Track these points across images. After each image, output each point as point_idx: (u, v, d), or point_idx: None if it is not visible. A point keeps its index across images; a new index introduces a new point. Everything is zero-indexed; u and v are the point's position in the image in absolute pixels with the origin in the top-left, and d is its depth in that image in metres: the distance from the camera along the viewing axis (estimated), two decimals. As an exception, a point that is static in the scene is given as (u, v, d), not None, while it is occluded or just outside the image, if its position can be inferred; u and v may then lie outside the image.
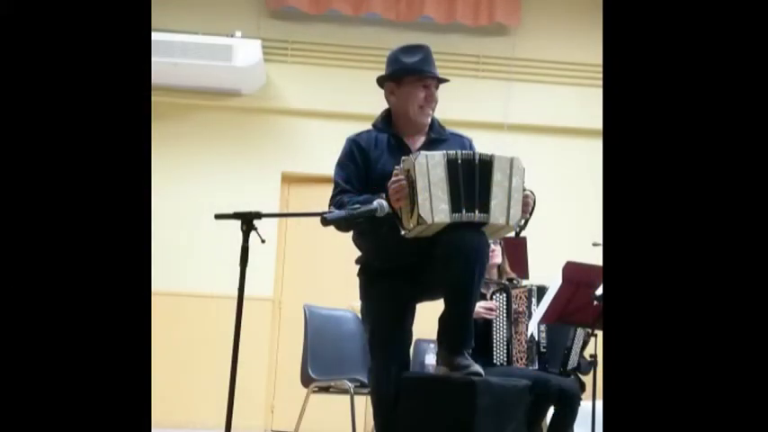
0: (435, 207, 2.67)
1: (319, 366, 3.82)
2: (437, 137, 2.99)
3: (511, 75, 6.26)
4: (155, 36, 5.80)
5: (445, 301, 2.79)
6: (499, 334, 3.79)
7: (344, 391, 3.76)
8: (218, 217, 2.78)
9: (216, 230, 5.85)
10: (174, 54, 5.83)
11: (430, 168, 2.69)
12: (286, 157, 6.31)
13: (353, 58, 6.27)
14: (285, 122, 6.33)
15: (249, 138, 6.33)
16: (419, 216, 2.67)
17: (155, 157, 7.07)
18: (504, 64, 6.32)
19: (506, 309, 3.84)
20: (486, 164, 2.74)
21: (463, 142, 3.02)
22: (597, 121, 6.18)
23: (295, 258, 6.34)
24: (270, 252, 6.09)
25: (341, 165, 3.01)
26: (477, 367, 2.69)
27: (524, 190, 2.80)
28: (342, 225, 2.84)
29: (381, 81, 3.02)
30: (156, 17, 6.22)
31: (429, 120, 2.99)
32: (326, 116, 6.25)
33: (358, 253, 3.02)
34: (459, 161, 2.72)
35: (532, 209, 2.85)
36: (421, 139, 3.00)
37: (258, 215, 2.72)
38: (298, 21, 6.33)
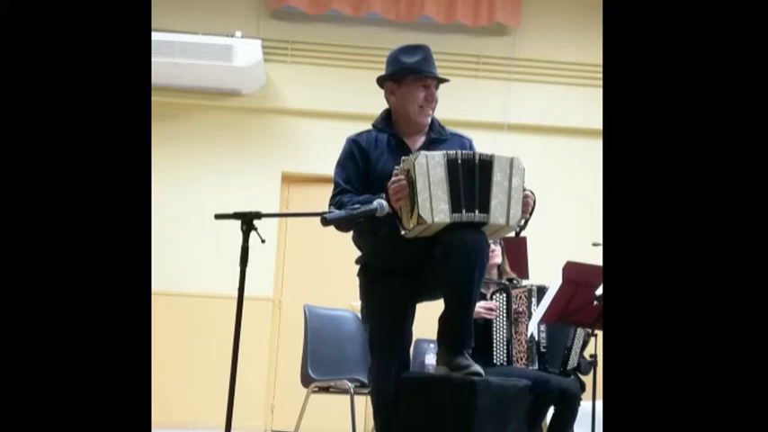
0: (435, 207, 2.67)
1: (319, 366, 3.82)
2: (437, 137, 2.99)
3: (511, 75, 6.25)
4: (155, 36, 5.79)
5: (445, 301, 2.78)
6: (499, 334, 3.79)
7: (344, 391, 3.76)
8: (218, 217, 2.78)
9: (216, 230, 5.87)
10: (174, 54, 5.83)
11: (430, 168, 2.69)
12: (286, 157, 6.30)
13: (353, 58, 6.27)
14: (285, 122, 6.33)
15: (249, 138, 6.33)
16: (419, 216, 2.66)
17: (155, 157, 7.07)
18: (505, 64, 6.31)
19: (506, 309, 3.84)
20: (486, 164, 2.74)
21: (463, 142, 3.02)
22: (597, 121, 6.18)
23: (295, 258, 6.34)
24: (270, 252, 6.09)
25: (341, 165, 3.00)
26: (477, 367, 2.68)
27: (524, 190, 2.80)
28: (342, 225, 2.84)
29: (381, 81, 3.02)
30: (157, 17, 6.22)
31: (429, 120, 2.98)
32: (326, 116, 6.25)
33: (358, 253, 3.02)
34: (460, 161, 2.72)
35: (532, 209, 2.85)
36: (421, 139, 2.99)
37: (258, 215, 2.72)
38: (298, 21, 6.32)
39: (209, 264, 6.09)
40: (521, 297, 3.85)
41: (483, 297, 3.76)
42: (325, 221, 2.65)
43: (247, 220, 2.70)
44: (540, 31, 6.37)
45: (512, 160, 2.76)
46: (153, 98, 6.24)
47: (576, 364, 3.90)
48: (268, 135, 6.33)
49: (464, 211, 2.69)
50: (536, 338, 3.79)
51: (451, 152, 2.74)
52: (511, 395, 2.66)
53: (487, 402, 2.54)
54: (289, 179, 6.35)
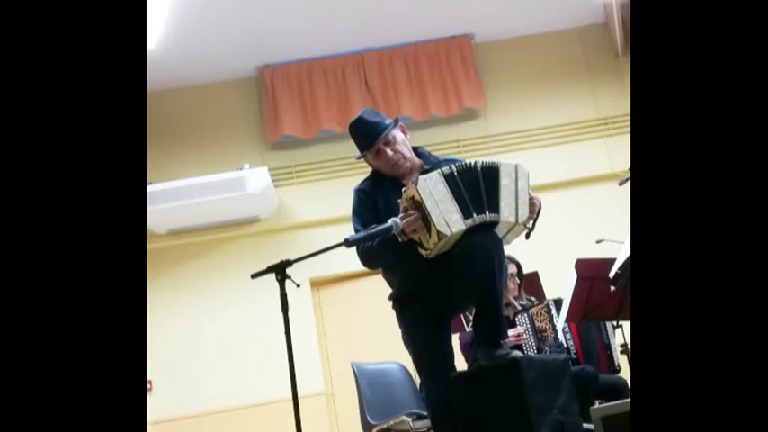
0: (449, 219, 2.62)
1: (376, 411, 3.65)
2: (430, 168, 2.98)
3: (489, 149, 6.35)
4: (176, 184, 5.94)
5: (475, 302, 2.71)
6: (531, 353, 3.66)
7: (405, 431, 3.58)
8: (254, 276, 2.81)
9: (260, 341, 5.81)
10: (194, 195, 5.94)
11: (431, 188, 2.66)
12: (310, 265, 6.24)
13: (348, 167, 6.37)
14: (304, 234, 6.35)
15: (276, 255, 6.26)
16: (438, 233, 2.60)
17: (197, 294, 7.03)
18: (482, 142, 6.43)
19: (532, 328, 3.73)
20: (492, 170, 2.71)
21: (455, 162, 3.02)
22: (574, 173, 6.24)
23: (338, 351, 6.19)
24: (313, 350, 5.99)
25: (356, 213, 3.00)
26: (516, 353, 2.58)
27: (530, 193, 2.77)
28: (373, 259, 2.82)
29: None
30: (173, 168, 6.36)
31: (409, 165, 2.96)
32: (337, 221, 6.27)
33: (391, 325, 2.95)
34: (456, 173, 2.69)
35: (539, 211, 2.82)
36: (415, 175, 2.99)
37: (289, 263, 2.77)
38: (295, 146, 6.49)
39: (256, 375, 5.95)
40: (541, 314, 3.75)
41: (507, 318, 3.66)
42: (348, 243, 2.64)
43: (281, 270, 2.74)
44: (505, 107, 6.52)
45: (516, 166, 2.75)
46: (182, 241, 6.36)
47: (618, 360, 3.74)
48: (291, 249, 6.32)
49: (475, 215, 2.64)
50: (564, 345, 3.65)
51: (445, 168, 2.72)
52: (554, 368, 2.53)
53: (534, 376, 2.42)
54: (317, 283, 6.30)
